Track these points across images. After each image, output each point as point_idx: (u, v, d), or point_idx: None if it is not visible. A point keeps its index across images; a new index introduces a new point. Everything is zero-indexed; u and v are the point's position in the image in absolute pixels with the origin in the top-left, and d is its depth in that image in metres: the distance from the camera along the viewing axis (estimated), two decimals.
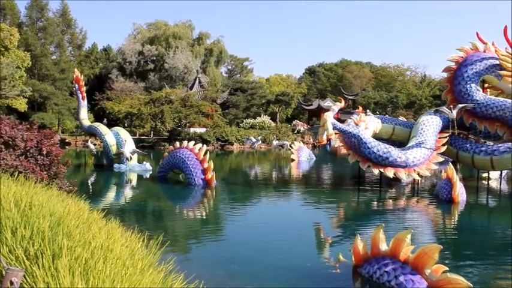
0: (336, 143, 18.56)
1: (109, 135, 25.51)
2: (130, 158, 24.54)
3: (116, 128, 27.29)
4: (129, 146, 24.81)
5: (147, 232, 8.16)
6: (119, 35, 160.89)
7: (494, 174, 20.95)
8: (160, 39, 71.58)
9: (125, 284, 3.87)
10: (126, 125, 52.33)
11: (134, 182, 20.95)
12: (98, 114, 57.31)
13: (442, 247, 6.42)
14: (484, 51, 19.31)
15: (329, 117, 16.19)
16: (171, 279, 4.88)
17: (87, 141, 34.34)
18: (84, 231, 5.43)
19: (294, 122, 68.28)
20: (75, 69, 30.22)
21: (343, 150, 17.72)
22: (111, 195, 17.83)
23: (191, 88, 62.77)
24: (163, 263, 5.69)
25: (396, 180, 18.17)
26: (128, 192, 18.33)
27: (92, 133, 27.71)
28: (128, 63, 68.60)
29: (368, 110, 45.89)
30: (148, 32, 74.30)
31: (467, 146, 18.19)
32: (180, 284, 4.86)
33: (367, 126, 18.40)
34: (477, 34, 19.79)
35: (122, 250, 5.19)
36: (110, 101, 52.35)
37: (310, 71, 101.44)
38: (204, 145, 19.24)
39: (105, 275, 3.87)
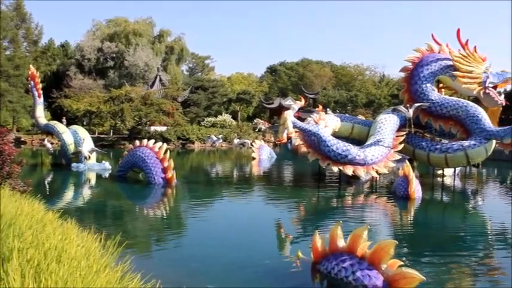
0: (297, 141, 18.69)
1: (66, 133, 24.88)
2: (89, 157, 24.02)
3: (74, 127, 26.65)
4: (87, 144, 24.30)
5: (105, 232, 8.02)
6: (77, 31, 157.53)
7: (448, 171, 21.57)
8: (120, 36, 70.34)
9: (79, 285, 3.79)
10: (85, 123, 51.20)
11: (93, 182, 20.53)
12: (56, 112, 55.77)
13: (397, 242, 6.59)
14: (439, 52, 19.88)
15: (289, 116, 16.30)
16: (127, 279, 4.80)
17: (43, 140, 33.40)
18: (38, 232, 5.29)
19: (255, 121, 68.38)
20: (31, 66, 29.25)
21: (304, 149, 17.87)
22: (68, 195, 17.41)
23: (152, 86, 62.03)
24: (120, 262, 5.60)
25: (355, 177, 18.47)
26: (86, 192, 17.94)
27: (48, 132, 26.97)
28: (86, 60, 67.07)
29: (328, 109, 46.58)
30: (108, 28, 72.87)
31: (423, 144, 18.69)
32: (137, 283, 4.79)
33: (327, 124, 18.64)
34: (432, 36, 20.36)
35: (77, 251, 5.08)
36: (68, 99, 50.98)
37: (272, 70, 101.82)
38: (165, 144, 19.05)
39: (58, 276, 3.78)
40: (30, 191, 11.08)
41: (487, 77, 18.38)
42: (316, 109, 21.99)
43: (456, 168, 20.97)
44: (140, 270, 5.50)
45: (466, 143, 17.55)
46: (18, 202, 7.47)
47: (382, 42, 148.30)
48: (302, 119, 19.66)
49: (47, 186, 19.37)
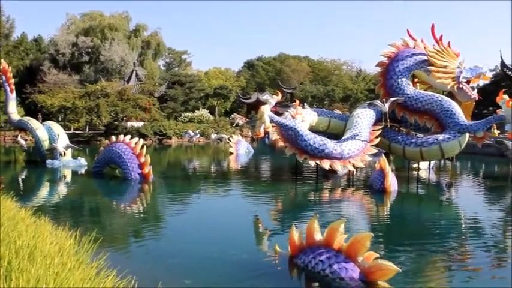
0: (274, 135, 18.72)
1: (40, 129, 24.41)
2: (64, 153, 23.62)
3: (48, 123, 26.15)
4: (62, 141, 23.87)
5: (81, 229, 7.92)
6: (51, 25, 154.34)
7: (423, 165, 21.88)
8: (96, 30, 69.16)
9: (51, 283, 3.71)
10: (60, 119, 50.29)
11: (68, 178, 20.23)
12: (29, 108, 54.63)
13: (373, 235, 6.67)
14: (414, 48, 20.09)
15: (266, 110, 16.31)
16: (102, 275, 4.74)
17: (17, 136, 32.72)
18: (9, 230, 5.17)
19: (232, 116, 68.21)
20: (2, 60, 28.48)
21: (281, 143, 17.91)
22: (43, 192, 17.10)
23: (128, 81, 61.21)
24: (96, 259, 5.53)
25: (332, 171, 18.58)
26: (62, 189, 17.67)
27: (22, 128, 26.40)
28: (61, 55, 65.79)
29: (305, 103, 46.76)
30: (83, 22, 71.59)
31: (399, 138, 18.91)
32: (112, 280, 4.73)
33: (304, 119, 18.70)
34: (408, 31, 20.56)
35: (50, 248, 4.99)
36: (42, 94, 49.94)
37: (249, 65, 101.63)
38: (142, 139, 18.89)
39: (30, 274, 3.70)
40: (2, 189, 10.86)
41: (461, 72, 18.66)
42: (294, 104, 22.04)
43: (431, 162, 21.28)
44: (116, 266, 5.45)
45: (440, 136, 17.82)
46: None
47: (358, 37, 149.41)
48: (279, 114, 19.68)
49: (21, 183, 19.02)
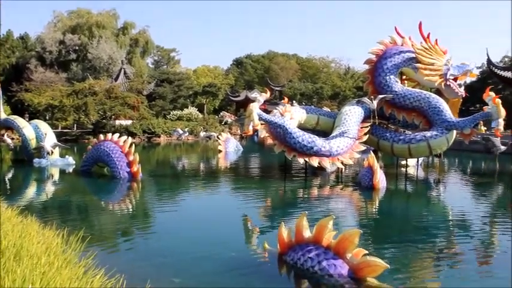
0: (263, 133, 18.72)
1: (27, 128, 24.19)
2: (52, 152, 23.45)
3: (35, 121, 25.95)
4: (49, 139, 23.68)
5: (69, 228, 7.86)
6: (37, 22, 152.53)
7: (411, 162, 22.02)
8: (83, 28, 68.57)
9: (37, 283, 3.67)
10: (47, 118, 49.81)
11: (56, 177, 20.06)
12: (16, 106, 54.06)
13: (361, 232, 6.69)
14: (402, 45, 20.19)
15: (255, 108, 16.30)
16: (90, 274, 4.70)
17: (3, 135, 32.36)
18: None
19: (221, 114, 68.04)
20: None
21: (270, 141, 17.91)
22: (30, 191, 16.93)
23: (116, 79, 60.79)
24: (84, 258, 5.49)
25: (321, 169, 18.64)
26: (49, 188, 17.52)
27: (8, 127, 26.17)
28: (48, 53, 65.18)
29: (294, 101, 46.74)
30: (70, 20, 70.94)
31: (387, 135, 19.00)
32: (100, 279, 4.69)
33: (293, 116, 18.70)
34: (395, 29, 20.65)
35: (37, 248, 4.94)
36: (29, 93, 49.47)
37: (238, 63, 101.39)
38: (130, 138, 18.80)
39: (16, 274, 3.66)
40: None
41: (448, 70, 18.79)
42: (282, 101, 22.05)
43: (419, 159, 21.42)
44: (104, 265, 5.41)
45: (428, 133, 17.94)
46: None
47: (347, 35, 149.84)
48: (268, 112, 19.70)
49: (7, 182, 18.80)
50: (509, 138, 24.30)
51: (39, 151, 23.55)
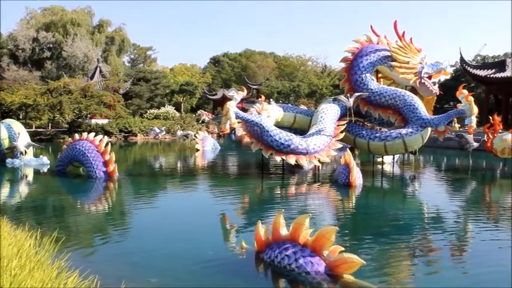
0: (240, 131, 18.70)
1: (0, 128, 23.68)
2: (25, 152, 23.00)
3: (8, 120, 25.36)
4: (23, 139, 23.21)
5: (42, 229, 7.71)
6: (9, 19, 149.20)
7: (387, 159, 22.26)
8: (57, 25, 67.40)
9: (6, 286, 3.58)
10: (21, 117, 48.88)
11: (30, 177, 19.65)
12: None
13: (338, 229, 6.73)
14: (378, 43, 20.36)
15: (231, 106, 16.27)
16: (63, 276, 4.61)
17: None
18: None
19: (198, 112, 67.76)
20: None
21: (247, 139, 17.89)
22: (2, 192, 16.53)
23: (92, 78, 59.95)
24: (57, 260, 5.38)
25: (298, 166, 18.70)
26: (23, 188, 17.15)
27: None
28: (20, 51, 63.93)
29: (271, 99, 46.87)
30: (44, 17, 69.70)
31: (364, 132, 19.17)
32: (74, 281, 4.61)
33: (270, 114, 18.74)
34: (371, 27, 20.81)
35: (8, 250, 4.83)
36: (1, 91, 48.48)
37: (215, 61, 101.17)
38: (106, 137, 18.55)
39: None
40: None
41: (423, 68, 19.03)
42: (259, 99, 22.04)
43: (395, 156, 21.65)
44: (78, 266, 5.32)
45: (403, 131, 18.16)
46: None
47: (324, 33, 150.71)
48: (245, 110, 19.67)
49: None
50: (481, 135, 24.73)
51: (12, 151, 23.07)
